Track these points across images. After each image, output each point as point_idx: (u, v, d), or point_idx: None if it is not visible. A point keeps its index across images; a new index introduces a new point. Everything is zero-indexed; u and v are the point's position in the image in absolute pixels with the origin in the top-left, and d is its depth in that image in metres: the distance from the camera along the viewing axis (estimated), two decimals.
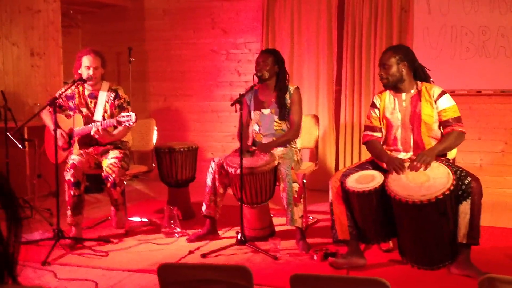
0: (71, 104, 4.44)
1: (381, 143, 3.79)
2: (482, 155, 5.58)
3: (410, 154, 3.66)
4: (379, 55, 5.61)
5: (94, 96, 4.43)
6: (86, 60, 4.34)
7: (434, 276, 3.36)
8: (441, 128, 3.65)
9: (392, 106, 3.73)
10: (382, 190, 3.42)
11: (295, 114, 4.30)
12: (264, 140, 4.30)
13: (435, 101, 3.62)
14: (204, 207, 4.13)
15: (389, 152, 3.75)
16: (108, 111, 4.39)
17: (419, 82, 3.72)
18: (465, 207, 3.33)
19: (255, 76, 4.23)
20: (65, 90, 4.34)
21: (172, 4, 6.63)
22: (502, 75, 5.37)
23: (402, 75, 3.66)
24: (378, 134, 3.79)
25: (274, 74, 4.29)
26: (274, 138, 4.29)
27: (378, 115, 3.80)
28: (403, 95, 3.70)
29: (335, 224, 3.64)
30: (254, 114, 4.38)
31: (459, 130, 3.60)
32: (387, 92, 3.80)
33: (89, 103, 4.44)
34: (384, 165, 3.61)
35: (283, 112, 4.29)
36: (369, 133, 3.81)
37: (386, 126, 3.76)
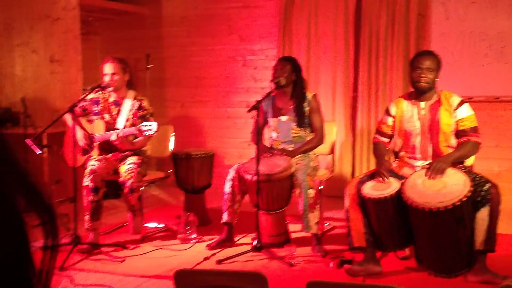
0: (95, 109, 4.48)
1: (390, 148, 3.88)
2: (499, 162, 5.52)
3: (429, 162, 3.64)
4: (396, 61, 5.64)
5: (118, 104, 4.47)
6: (105, 67, 4.39)
7: (451, 284, 3.33)
8: (457, 137, 3.63)
9: (410, 114, 3.71)
10: (398, 197, 3.41)
11: (317, 122, 4.30)
12: (282, 147, 4.31)
13: (454, 110, 3.59)
14: (224, 215, 4.14)
15: (406, 159, 3.73)
16: (131, 121, 4.42)
17: (438, 90, 3.70)
18: (483, 214, 3.31)
19: (272, 83, 4.25)
20: (84, 96, 4.39)
21: (190, 11, 6.68)
22: None
23: (434, 83, 3.65)
24: (386, 140, 3.86)
25: (291, 81, 4.30)
26: (292, 145, 4.30)
27: (391, 123, 3.79)
28: (422, 103, 3.68)
29: (351, 231, 3.63)
30: (272, 121, 4.39)
31: (475, 140, 3.57)
32: (403, 99, 3.78)
33: (112, 110, 4.48)
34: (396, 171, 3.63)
35: (301, 120, 4.29)
36: (377, 136, 3.89)
37: (404, 134, 3.74)
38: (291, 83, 4.31)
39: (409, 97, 3.77)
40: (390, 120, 3.81)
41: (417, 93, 3.70)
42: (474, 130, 3.59)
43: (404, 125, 3.73)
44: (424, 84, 3.60)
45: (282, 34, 6.11)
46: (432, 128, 3.62)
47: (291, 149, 4.28)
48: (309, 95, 4.34)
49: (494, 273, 3.28)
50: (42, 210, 0.83)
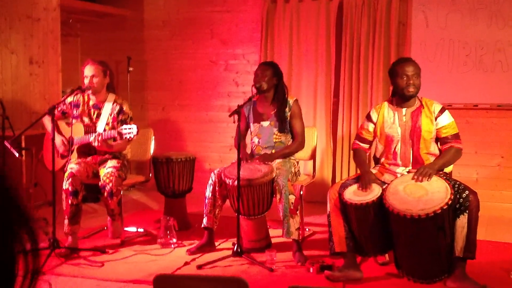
0: (75, 112, 4.43)
1: (369, 154, 3.92)
2: (478, 169, 5.60)
3: (409, 169, 3.68)
4: (377, 68, 5.69)
5: (97, 107, 4.43)
6: (85, 70, 4.35)
7: None
8: (439, 144, 3.68)
9: (391, 120, 3.74)
10: (380, 203, 3.43)
11: (298, 127, 4.32)
12: (264, 153, 4.31)
13: (436, 118, 3.64)
14: (205, 219, 4.12)
15: (387, 166, 3.76)
16: (110, 124, 4.38)
17: (419, 97, 3.74)
18: (462, 221, 3.34)
19: (253, 88, 4.25)
20: (63, 99, 4.35)
21: (172, 14, 6.66)
22: (499, 90, 5.39)
23: (419, 90, 3.68)
24: (366, 146, 3.88)
25: (272, 86, 4.31)
26: (274, 151, 4.30)
27: (371, 129, 3.82)
28: (404, 110, 3.71)
29: (332, 236, 3.64)
30: (254, 127, 4.39)
31: (457, 146, 3.63)
32: (386, 105, 3.81)
33: (92, 113, 4.44)
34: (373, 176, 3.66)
35: (283, 125, 4.30)
36: (357, 142, 3.90)
37: (385, 140, 3.77)
38: (273, 88, 4.33)
39: (391, 103, 3.80)
40: (371, 126, 3.84)
41: (399, 100, 3.73)
42: (456, 136, 3.64)
43: (385, 131, 3.75)
44: (413, 90, 3.64)
45: (264, 39, 6.12)
46: (413, 134, 3.66)
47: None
48: (290, 100, 4.35)
49: (473, 281, 3.31)
50: (19, 220, 0.82)
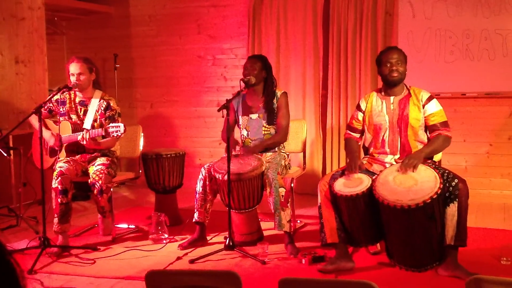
0: (61, 110, 4.40)
1: (360, 144, 3.93)
2: (467, 157, 5.63)
3: (397, 157, 3.69)
4: (364, 58, 5.70)
5: (84, 104, 4.40)
6: (71, 67, 4.32)
7: (422, 277, 3.37)
8: (428, 132, 3.70)
9: (379, 108, 3.76)
10: (370, 193, 3.44)
11: (282, 118, 4.31)
12: (253, 145, 4.31)
13: (423, 106, 3.66)
14: (196, 214, 4.12)
15: (376, 156, 3.78)
16: (98, 121, 4.36)
17: (406, 86, 3.76)
18: (452, 209, 3.36)
19: (241, 81, 4.24)
20: (51, 97, 4.31)
21: (158, 10, 6.63)
22: (486, 78, 5.43)
23: (404, 76, 3.71)
24: (357, 135, 3.92)
25: (261, 79, 4.30)
26: None
27: (361, 118, 3.85)
28: (392, 98, 3.74)
29: (324, 227, 3.65)
30: (242, 119, 4.38)
31: (446, 134, 3.64)
32: (374, 94, 3.83)
33: (79, 110, 4.41)
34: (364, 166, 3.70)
35: (271, 117, 4.30)
36: (348, 132, 3.95)
37: (373, 129, 3.78)
38: (262, 81, 4.32)
39: (380, 91, 3.82)
40: (360, 115, 3.86)
41: (386, 88, 3.76)
42: (445, 124, 3.66)
43: (373, 119, 3.77)
44: (396, 75, 3.66)
45: (251, 32, 6.11)
46: (401, 122, 3.68)
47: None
48: (278, 93, 4.35)
49: (465, 269, 3.33)
50: None
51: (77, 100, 4.42)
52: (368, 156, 3.88)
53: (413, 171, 3.44)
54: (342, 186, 3.55)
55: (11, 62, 5.65)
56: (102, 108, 4.36)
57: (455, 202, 3.35)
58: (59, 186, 4.08)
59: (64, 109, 4.40)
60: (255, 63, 4.28)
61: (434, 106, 3.67)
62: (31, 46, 5.68)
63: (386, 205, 3.31)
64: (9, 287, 0.80)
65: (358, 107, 3.90)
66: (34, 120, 4.33)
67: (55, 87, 5.25)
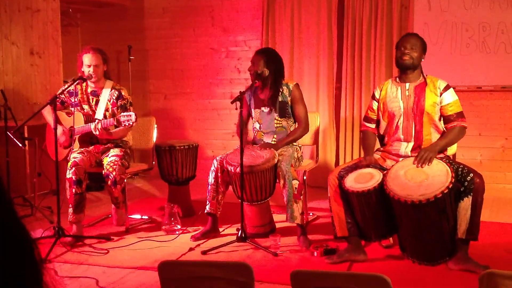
0: (73, 100, 4.43)
1: (377, 133, 3.88)
2: (482, 151, 5.58)
3: (412, 144, 3.65)
4: (379, 51, 5.66)
5: (96, 94, 4.43)
6: (86, 59, 4.33)
7: (435, 271, 3.36)
8: (443, 123, 3.66)
9: (393, 95, 3.72)
10: (381, 189, 3.41)
11: (301, 111, 4.28)
12: (265, 138, 4.30)
13: (441, 94, 3.61)
14: (208, 206, 4.13)
15: (389, 146, 3.74)
16: (110, 110, 4.38)
17: (423, 74, 3.72)
18: (466, 203, 3.33)
19: (255, 74, 4.22)
20: (66, 88, 4.34)
21: (172, 2, 6.63)
22: (503, 71, 5.36)
23: (419, 64, 3.67)
24: (373, 126, 3.87)
25: (270, 73, 4.23)
26: (275, 136, 4.28)
27: (375, 108, 3.82)
28: (407, 84, 3.70)
29: (334, 221, 3.65)
30: (255, 112, 4.37)
31: (462, 125, 3.61)
32: (389, 81, 3.81)
33: (91, 101, 4.44)
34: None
35: (283, 110, 4.27)
36: (364, 123, 3.92)
37: (388, 115, 3.74)
38: (271, 75, 4.25)
39: (395, 79, 3.79)
40: (375, 105, 3.83)
41: (401, 74, 3.73)
42: (460, 115, 3.62)
43: (388, 106, 3.73)
44: (406, 59, 3.63)
45: (265, 25, 6.09)
46: (416, 109, 3.63)
47: (274, 140, 4.26)
48: (290, 85, 4.31)
49: (475, 262, 3.31)
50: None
51: (89, 90, 4.44)
52: (382, 150, 3.84)
53: (428, 165, 3.41)
54: (353, 182, 3.53)
55: (26, 53, 5.69)
56: (114, 98, 4.39)
57: (469, 196, 3.32)
58: (73, 177, 4.11)
59: (76, 99, 4.42)
60: (261, 58, 4.22)
61: (451, 96, 3.63)
62: (45, 38, 5.72)
63: (397, 200, 3.29)
64: (31, 276, 0.82)
65: (373, 96, 3.87)
66: (46, 113, 4.36)
67: (69, 78, 5.27)
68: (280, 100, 4.26)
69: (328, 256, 3.61)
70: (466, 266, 3.31)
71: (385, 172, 3.52)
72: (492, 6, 5.33)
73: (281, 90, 4.26)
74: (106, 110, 4.38)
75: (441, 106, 3.62)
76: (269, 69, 4.21)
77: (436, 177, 3.32)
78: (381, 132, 3.84)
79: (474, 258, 3.35)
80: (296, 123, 4.32)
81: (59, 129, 4.33)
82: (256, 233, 4.11)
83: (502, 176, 5.52)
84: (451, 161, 3.56)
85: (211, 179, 4.12)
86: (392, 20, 5.63)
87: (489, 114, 5.53)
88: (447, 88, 3.64)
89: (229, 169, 3.97)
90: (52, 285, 0.86)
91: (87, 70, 4.32)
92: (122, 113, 4.16)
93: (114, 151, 4.34)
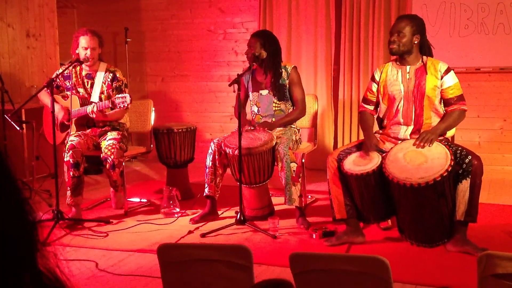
0: (68, 84, 4.40)
1: (375, 116, 3.85)
2: (480, 132, 5.58)
3: (411, 128, 3.64)
4: (377, 33, 5.62)
5: (91, 77, 4.41)
6: (83, 41, 4.30)
7: (433, 253, 3.38)
8: (443, 105, 3.64)
9: (394, 78, 3.70)
10: (380, 171, 3.42)
11: (298, 94, 4.27)
12: (264, 121, 4.29)
13: (442, 77, 3.59)
14: (206, 189, 4.13)
15: (389, 130, 3.72)
16: (105, 93, 4.37)
17: (424, 56, 3.69)
18: (464, 186, 3.33)
19: (252, 56, 4.19)
20: (63, 71, 4.31)
21: None
22: (501, 52, 5.34)
23: (412, 47, 3.63)
24: (371, 107, 3.84)
25: (266, 56, 4.20)
26: (273, 120, 4.27)
27: (375, 89, 3.79)
28: (408, 67, 3.67)
29: (332, 203, 3.65)
30: (253, 95, 4.35)
31: (462, 108, 3.60)
32: (390, 64, 3.77)
33: (86, 84, 4.41)
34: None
35: (281, 93, 4.26)
36: (363, 104, 3.88)
37: (388, 98, 3.72)
38: (268, 57, 4.23)
39: (395, 61, 3.76)
40: (374, 87, 3.80)
41: (401, 58, 3.70)
42: (461, 98, 3.61)
43: (388, 89, 3.71)
44: (393, 48, 3.62)
45: (262, 6, 6.04)
46: (416, 92, 3.61)
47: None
48: (289, 68, 4.29)
49: (473, 244, 3.32)
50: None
51: (84, 73, 4.42)
52: (381, 132, 3.83)
53: (429, 146, 3.41)
54: (352, 165, 3.52)
55: (22, 35, 5.64)
56: (109, 80, 4.37)
57: (467, 178, 3.33)
58: (71, 160, 4.10)
59: (70, 83, 4.40)
60: (256, 41, 4.19)
61: (452, 79, 3.61)
62: (41, 20, 5.67)
63: (396, 183, 3.29)
64: (14, 208, 0.80)
65: (373, 78, 3.83)
66: (43, 96, 4.34)
67: (66, 61, 5.24)
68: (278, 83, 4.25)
69: (326, 238, 3.63)
70: (465, 248, 3.33)
71: (384, 154, 3.52)
72: None
73: (281, 71, 4.24)
74: (102, 92, 4.36)
75: (441, 89, 3.60)
76: (267, 51, 4.19)
77: (435, 159, 3.32)
78: (380, 115, 3.82)
79: (473, 240, 3.37)
80: (294, 106, 4.31)
81: (57, 107, 4.31)
82: (254, 216, 4.12)
83: (500, 157, 5.53)
84: (449, 143, 3.56)
85: (208, 162, 4.12)
86: (390, 1, 5.58)
87: (488, 95, 5.52)
88: (448, 71, 3.61)
89: (227, 152, 3.97)
90: (56, 268, 0.84)
91: (83, 52, 4.28)
92: (117, 95, 4.14)
93: (112, 134, 4.33)
